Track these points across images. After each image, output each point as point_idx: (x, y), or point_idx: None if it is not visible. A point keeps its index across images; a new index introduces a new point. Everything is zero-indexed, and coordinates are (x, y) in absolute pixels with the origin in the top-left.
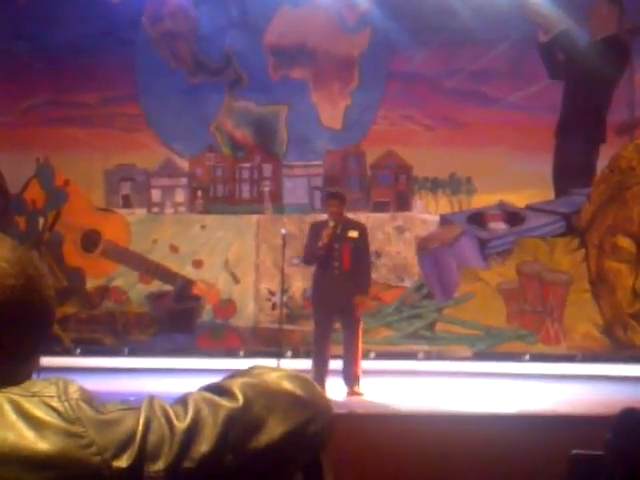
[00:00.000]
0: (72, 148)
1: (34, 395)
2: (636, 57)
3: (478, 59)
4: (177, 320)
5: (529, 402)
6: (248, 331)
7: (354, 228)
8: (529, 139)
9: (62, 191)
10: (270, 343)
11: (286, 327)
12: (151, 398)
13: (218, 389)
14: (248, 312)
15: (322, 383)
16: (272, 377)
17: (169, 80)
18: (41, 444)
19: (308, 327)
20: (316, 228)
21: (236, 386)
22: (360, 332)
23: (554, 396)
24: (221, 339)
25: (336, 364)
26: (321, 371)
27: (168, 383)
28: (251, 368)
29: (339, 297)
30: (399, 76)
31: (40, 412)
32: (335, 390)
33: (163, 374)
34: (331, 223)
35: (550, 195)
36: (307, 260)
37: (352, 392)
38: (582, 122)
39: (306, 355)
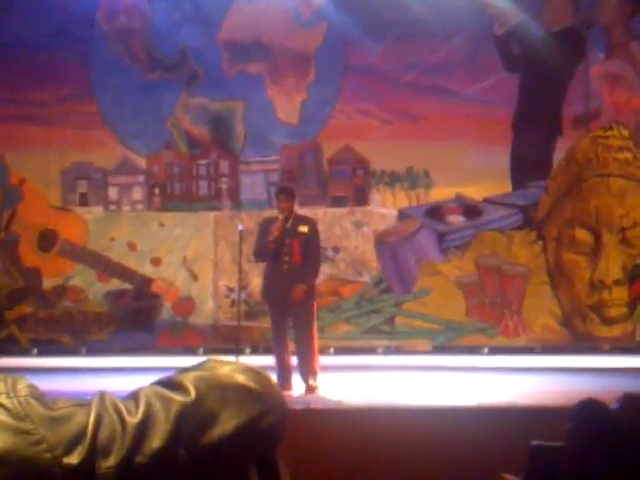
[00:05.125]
0: (27, 146)
1: None
2: (591, 49)
3: (434, 52)
4: (136, 318)
5: (489, 395)
6: (207, 328)
7: (304, 223)
8: (486, 132)
9: (17, 190)
10: (229, 340)
11: (245, 324)
12: (102, 393)
13: (170, 383)
14: (207, 309)
15: (288, 378)
16: (225, 370)
17: (125, 77)
18: None
19: (267, 323)
20: (265, 224)
21: (188, 380)
22: (314, 326)
23: (514, 388)
24: (180, 337)
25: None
26: (285, 366)
27: (128, 382)
28: (204, 362)
29: (290, 291)
30: (355, 70)
31: None
32: (293, 386)
33: (123, 373)
34: (280, 216)
35: (508, 188)
36: (258, 256)
37: (308, 387)
38: (538, 114)
39: (265, 351)
